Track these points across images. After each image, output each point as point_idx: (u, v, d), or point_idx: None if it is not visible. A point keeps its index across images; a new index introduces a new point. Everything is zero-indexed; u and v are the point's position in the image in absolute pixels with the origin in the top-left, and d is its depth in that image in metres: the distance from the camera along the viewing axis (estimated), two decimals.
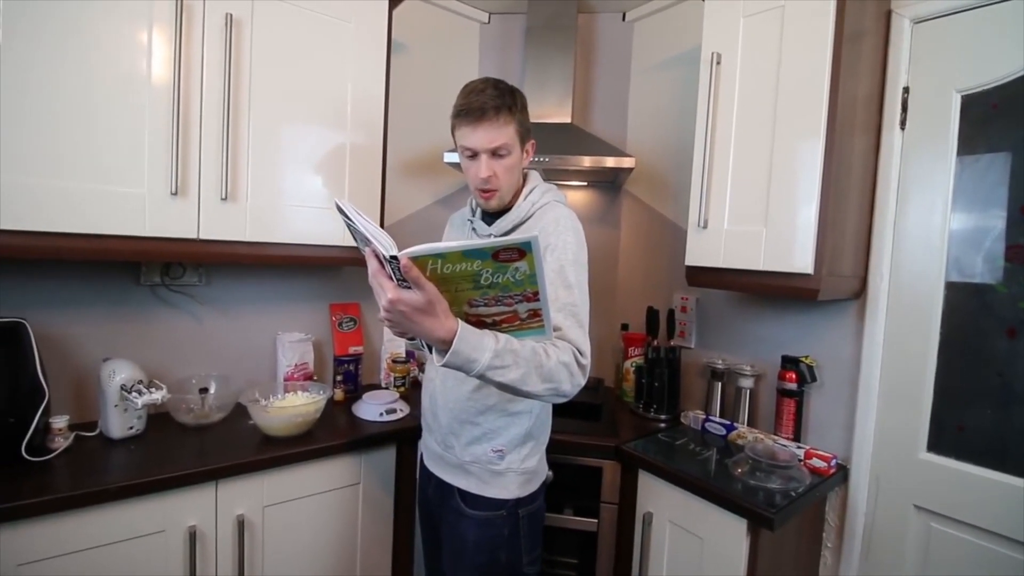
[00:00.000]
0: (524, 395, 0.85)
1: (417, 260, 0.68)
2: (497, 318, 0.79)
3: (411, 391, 1.73)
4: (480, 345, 0.77)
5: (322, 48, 1.39)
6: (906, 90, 1.29)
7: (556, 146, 1.64)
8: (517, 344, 0.81)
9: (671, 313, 1.79)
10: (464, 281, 0.72)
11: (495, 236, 1.05)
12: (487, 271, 0.70)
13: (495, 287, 0.73)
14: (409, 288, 0.71)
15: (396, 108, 1.60)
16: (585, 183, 2.00)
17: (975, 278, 1.20)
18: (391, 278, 0.72)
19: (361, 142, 1.48)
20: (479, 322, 0.80)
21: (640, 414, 1.66)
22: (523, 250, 0.67)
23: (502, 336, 0.80)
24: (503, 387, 0.82)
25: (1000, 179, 1.17)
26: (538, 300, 0.74)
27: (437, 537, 1.15)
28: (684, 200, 1.46)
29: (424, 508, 1.20)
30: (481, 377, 0.79)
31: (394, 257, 0.68)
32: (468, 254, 0.68)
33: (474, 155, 1.00)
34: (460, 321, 0.76)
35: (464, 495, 1.06)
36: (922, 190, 1.27)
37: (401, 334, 0.86)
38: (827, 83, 1.15)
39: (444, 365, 0.77)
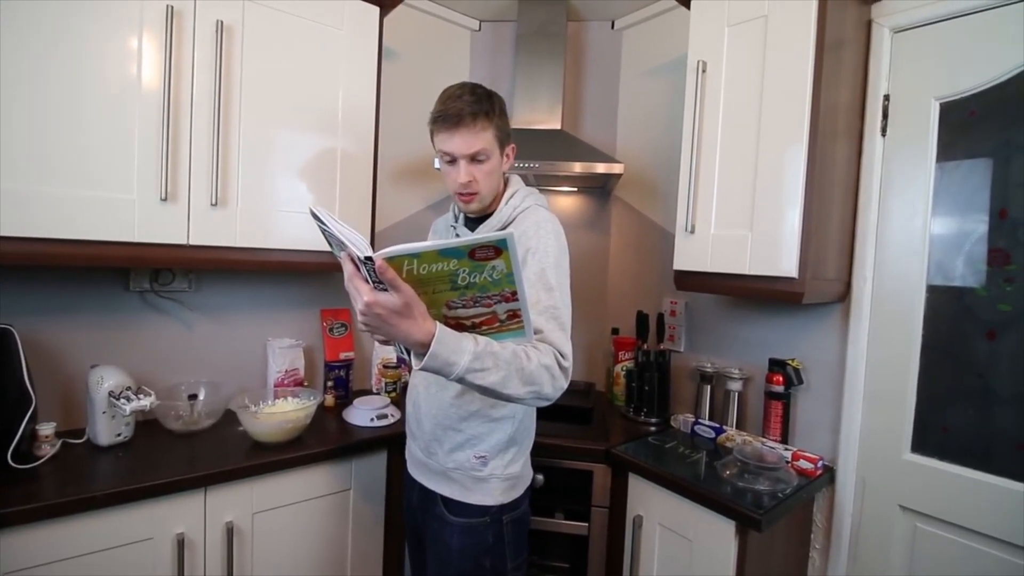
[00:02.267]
0: (505, 399, 0.85)
1: (392, 261, 0.67)
2: (476, 320, 0.78)
3: (402, 397, 1.72)
4: (459, 348, 0.76)
5: (313, 55, 1.40)
6: (887, 98, 1.32)
7: (546, 152, 1.66)
8: (497, 347, 0.80)
9: (660, 317, 1.81)
10: (441, 282, 0.72)
11: None
12: (464, 270, 0.69)
13: (473, 287, 0.72)
14: (386, 290, 0.70)
15: (387, 114, 1.61)
16: (575, 189, 2.02)
17: (955, 281, 1.23)
18: (367, 281, 0.72)
19: (352, 148, 1.49)
20: (458, 325, 0.79)
21: (630, 418, 1.67)
22: (499, 248, 0.67)
23: (481, 338, 0.79)
24: (484, 390, 0.82)
25: (979, 184, 1.20)
26: (517, 300, 0.74)
27: (422, 544, 1.14)
28: (673, 205, 1.48)
29: (409, 515, 1.19)
30: (460, 380, 0.79)
31: (369, 258, 0.67)
32: (444, 253, 0.67)
33: (453, 160, 1.01)
34: (438, 323, 0.75)
35: (447, 502, 1.05)
36: (903, 195, 1.30)
37: (384, 342, 0.86)
38: (809, 91, 1.17)
39: (422, 368, 0.76)
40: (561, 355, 0.89)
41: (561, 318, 0.94)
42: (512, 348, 0.83)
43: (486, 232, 1.05)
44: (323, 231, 0.79)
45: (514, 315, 0.76)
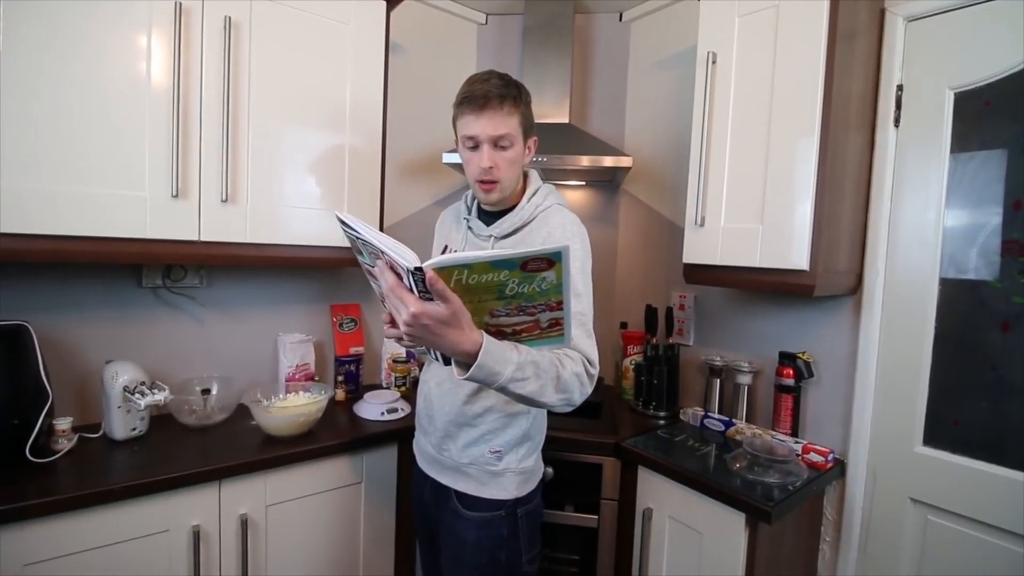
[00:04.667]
0: (538, 405, 0.85)
1: (442, 271, 0.66)
2: (517, 327, 0.78)
3: (412, 391, 1.74)
4: (504, 358, 0.76)
5: (320, 50, 1.40)
6: (900, 87, 1.30)
7: (554, 146, 1.65)
8: (537, 355, 0.81)
9: (669, 311, 1.80)
10: (488, 292, 0.70)
11: (496, 237, 1.05)
12: (514, 281, 0.68)
13: (519, 297, 0.71)
14: (431, 300, 0.69)
15: (394, 109, 1.61)
16: (583, 182, 2.01)
17: (969, 273, 1.22)
18: (411, 291, 0.70)
19: (360, 143, 1.49)
20: (499, 332, 0.78)
21: (639, 411, 1.68)
22: (552, 260, 0.66)
23: (523, 347, 0.79)
24: (521, 398, 0.82)
25: (993, 175, 1.19)
26: (561, 309, 0.73)
27: (434, 538, 1.14)
28: (681, 198, 1.47)
29: (420, 510, 1.18)
30: (502, 389, 0.79)
31: (419, 268, 0.66)
32: (495, 264, 0.66)
33: (476, 145, 0.98)
34: (484, 333, 0.75)
35: (462, 497, 1.05)
36: (916, 187, 1.28)
37: (410, 345, 0.85)
38: (821, 81, 1.16)
39: (468, 378, 0.75)
40: (589, 362, 0.90)
41: (588, 324, 0.95)
42: (549, 357, 0.83)
43: (504, 228, 1.04)
44: (355, 239, 0.78)
45: (556, 323, 0.76)
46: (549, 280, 0.68)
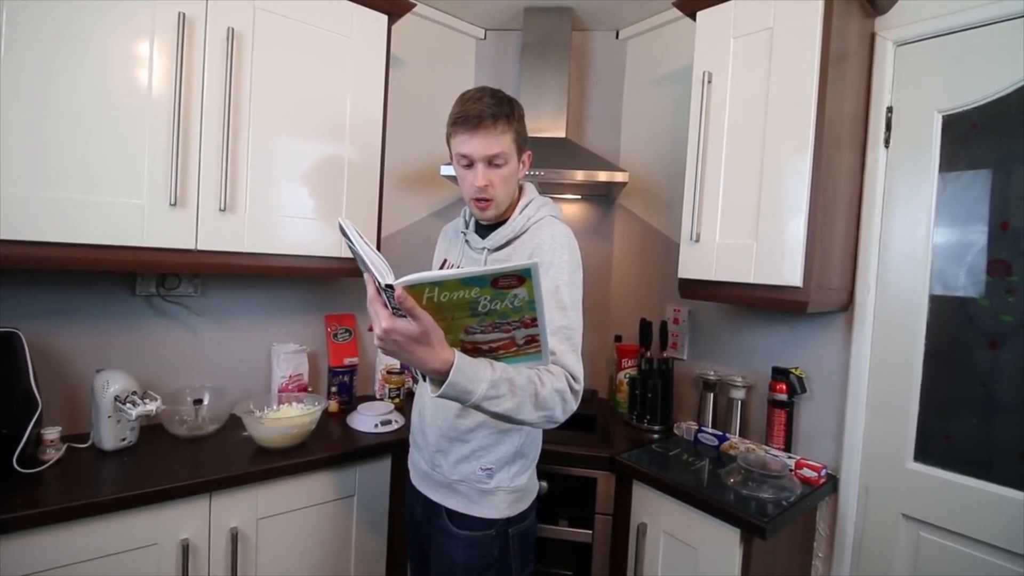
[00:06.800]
0: (518, 423, 0.85)
1: (413, 289, 0.66)
2: (494, 344, 0.78)
3: (406, 402, 1.72)
4: (476, 376, 0.76)
5: (322, 63, 1.41)
6: (890, 109, 1.33)
7: (551, 160, 1.67)
8: (513, 372, 0.80)
9: (664, 325, 1.81)
10: (461, 309, 0.71)
11: (489, 249, 1.05)
12: (485, 298, 0.69)
13: (493, 314, 0.72)
14: (404, 317, 0.69)
15: (393, 121, 1.62)
16: (579, 196, 2.03)
17: (958, 291, 1.24)
18: (386, 306, 0.71)
19: (359, 155, 1.50)
20: (475, 349, 0.78)
21: (634, 425, 1.68)
22: (523, 277, 0.66)
23: (498, 365, 0.79)
24: (498, 416, 0.82)
25: (980, 196, 1.22)
26: (536, 326, 0.73)
27: (425, 557, 1.12)
28: (676, 214, 1.49)
29: (412, 527, 1.17)
30: (476, 407, 0.79)
31: (389, 286, 0.66)
32: (466, 282, 0.67)
33: (470, 164, 0.99)
34: (456, 351, 0.75)
35: (452, 514, 1.04)
36: (906, 206, 1.31)
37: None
38: (814, 102, 1.19)
39: (440, 396, 0.75)
40: (573, 378, 0.89)
41: (573, 339, 0.94)
42: (527, 374, 0.82)
43: (497, 240, 1.05)
44: (350, 247, 0.79)
45: (532, 340, 0.76)
46: (521, 297, 0.69)
